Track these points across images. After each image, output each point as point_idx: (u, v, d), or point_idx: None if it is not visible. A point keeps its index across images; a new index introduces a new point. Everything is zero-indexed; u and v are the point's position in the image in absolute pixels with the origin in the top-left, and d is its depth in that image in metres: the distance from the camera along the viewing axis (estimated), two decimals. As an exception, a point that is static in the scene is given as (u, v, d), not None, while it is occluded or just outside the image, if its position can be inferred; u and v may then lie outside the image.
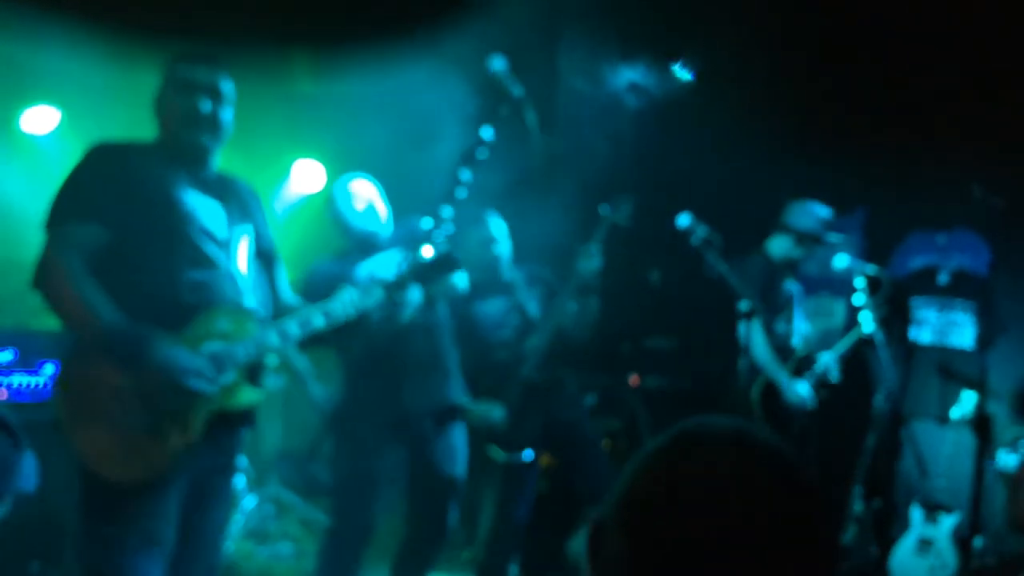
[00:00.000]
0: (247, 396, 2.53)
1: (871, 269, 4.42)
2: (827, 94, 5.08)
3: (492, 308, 4.05)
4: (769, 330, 4.32)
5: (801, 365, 4.40)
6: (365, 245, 3.58)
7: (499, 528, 4.04)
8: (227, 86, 2.59)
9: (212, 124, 2.55)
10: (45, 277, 2.41)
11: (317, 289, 3.42)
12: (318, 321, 2.63)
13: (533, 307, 4.06)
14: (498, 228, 4.07)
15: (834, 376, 4.37)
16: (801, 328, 4.48)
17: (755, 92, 4.91)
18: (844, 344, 4.48)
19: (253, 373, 2.58)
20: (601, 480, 4.00)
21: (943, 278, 5.22)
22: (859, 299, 4.31)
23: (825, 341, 4.88)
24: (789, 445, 1.00)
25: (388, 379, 3.50)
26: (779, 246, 4.47)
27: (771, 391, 4.27)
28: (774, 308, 4.34)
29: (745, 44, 4.68)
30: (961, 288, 5.22)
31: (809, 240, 4.45)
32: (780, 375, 4.25)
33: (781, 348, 4.35)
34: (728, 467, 0.95)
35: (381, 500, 3.55)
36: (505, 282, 4.08)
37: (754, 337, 4.24)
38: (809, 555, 0.93)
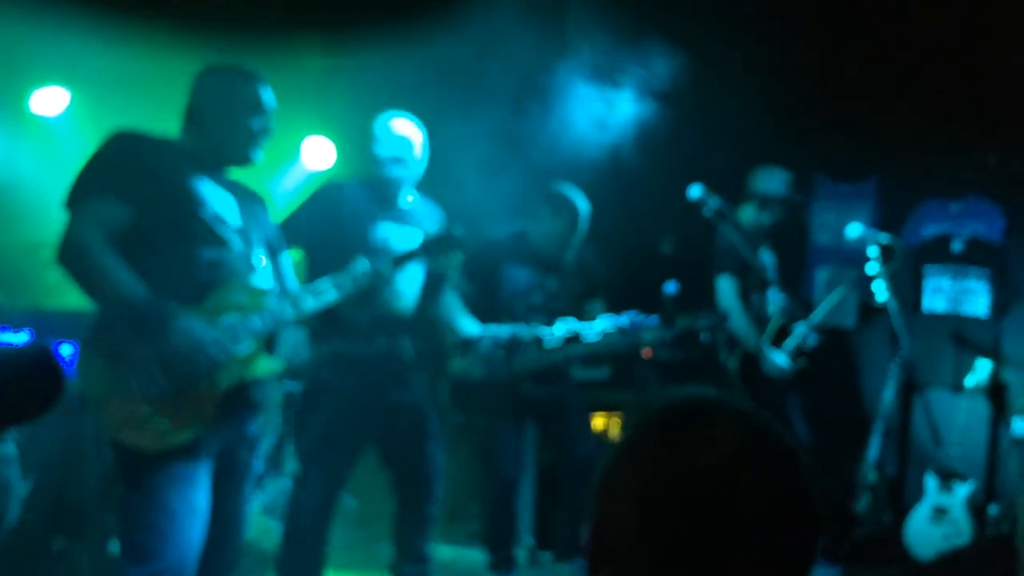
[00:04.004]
0: (265, 366, 2.65)
1: (884, 238, 4.40)
2: (838, 62, 5.04)
3: (522, 278, 4.04)
4: (746, 300, 4.34)
5: (778, 334, 4.41)
6: (386, 194, 3.47)
7: (491, 491, 4.05)
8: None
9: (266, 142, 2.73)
10: (69, 252, 2.47)
11: (322, 205, 3.44)
12: (331, 295, 2.78)
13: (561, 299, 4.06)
14: (582, 219, 4.00)
15: (811, 342, 4.38)
16: (775, 298, 4.48)
17: (764, 61, 4.87)
18: (820, 312, 4.48)
19: (270, 344, 2.69)
20: (577, 453, 4.01)
21: (957, 246, 5.20)
22: (872, 268, 4.30)
23: (838, 311, 4.88)
24: (771, 417, 1.04)
25: (353, 339, 3.43)
26: (747, 215, 4.47)
27: (749, 361, 4.29)
28: (751, 277, 4.35)
29: (753, 11, 4.63)
30: (975, 256, 5.20)
31: (773, 203, 4.45)
32: (758, 344, 4.26)
33: (757, 318, 4.37)
34: (732, 449, 0.97)
35: (350, 469, 3.52)
36: (558, 262, 4.06)
37: (731, 307, 4.26)
38: (809, 529, 0.98)
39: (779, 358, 4.30)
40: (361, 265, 2.89)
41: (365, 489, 4.56)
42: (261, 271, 2.71)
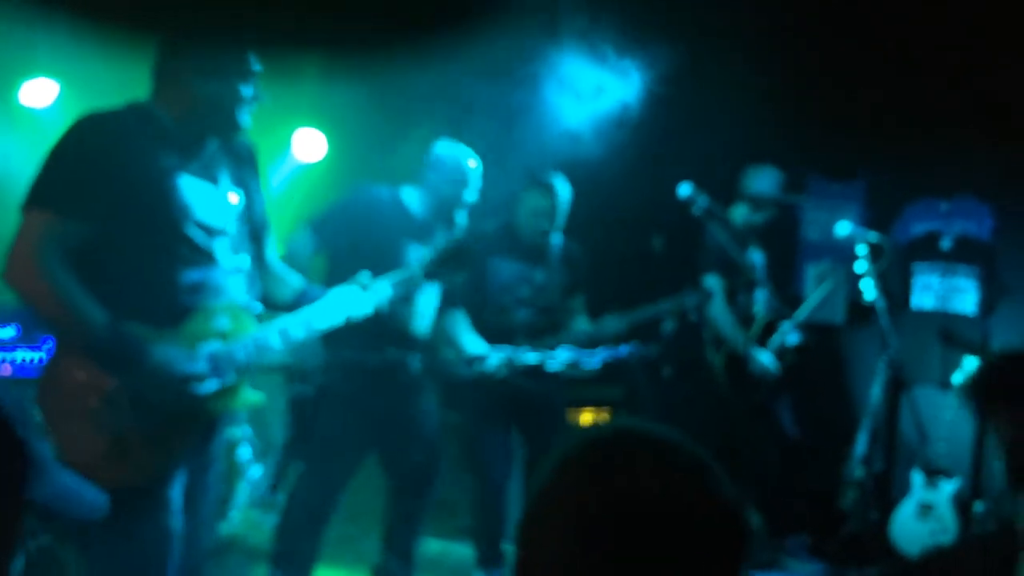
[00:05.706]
0: (247, 397, 2.47)
1: (873, 236, 4.41)
2: (830, 61, 5.03)
3: (508, 270, 4.04)
4: (732, 299, 4.35)
5: (764, 333, 4.43)
6: (439, 222, 3.58)
7: (480, 491, 4.06)
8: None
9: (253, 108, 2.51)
10: (22, 273, 2.22)
11: (355, 215, 3.48)
12: (320, 324, 2.60)
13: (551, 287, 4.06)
14: (561, 197, 3.99)
15: (792, 341, 4.40)
16: (761, 297, 4.50)
17: (754, 59, 4.86)
18: (806, 308, 4.50)
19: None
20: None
21: (946, 244, 5.22)
22: (861, 266, 4.31)
23: (826, 307, 4.89)
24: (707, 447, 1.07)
25: (365, 348, 3.47)
26: (739, 213, 4.49)
27: (735, 360, 4.30)
28: (738, 277, 4.36)
29: (743, 9, 4.63)
30: (964, 254, 5.22)
31: (766, 204, 4.47)
32: (743, 344, 4.27)
33: (743, 317, 4.38)
34: (664, 476, 1.02)
35: (354, 470, 3.57)
36: (542, 252, 4.06)
37: (717, 307, 4.28)
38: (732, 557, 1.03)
39: (764, 357, 4.31)
40: (353, 294, 2.71)
41: (353, 483, 4.55)
42: (245, 274, 2.53)
